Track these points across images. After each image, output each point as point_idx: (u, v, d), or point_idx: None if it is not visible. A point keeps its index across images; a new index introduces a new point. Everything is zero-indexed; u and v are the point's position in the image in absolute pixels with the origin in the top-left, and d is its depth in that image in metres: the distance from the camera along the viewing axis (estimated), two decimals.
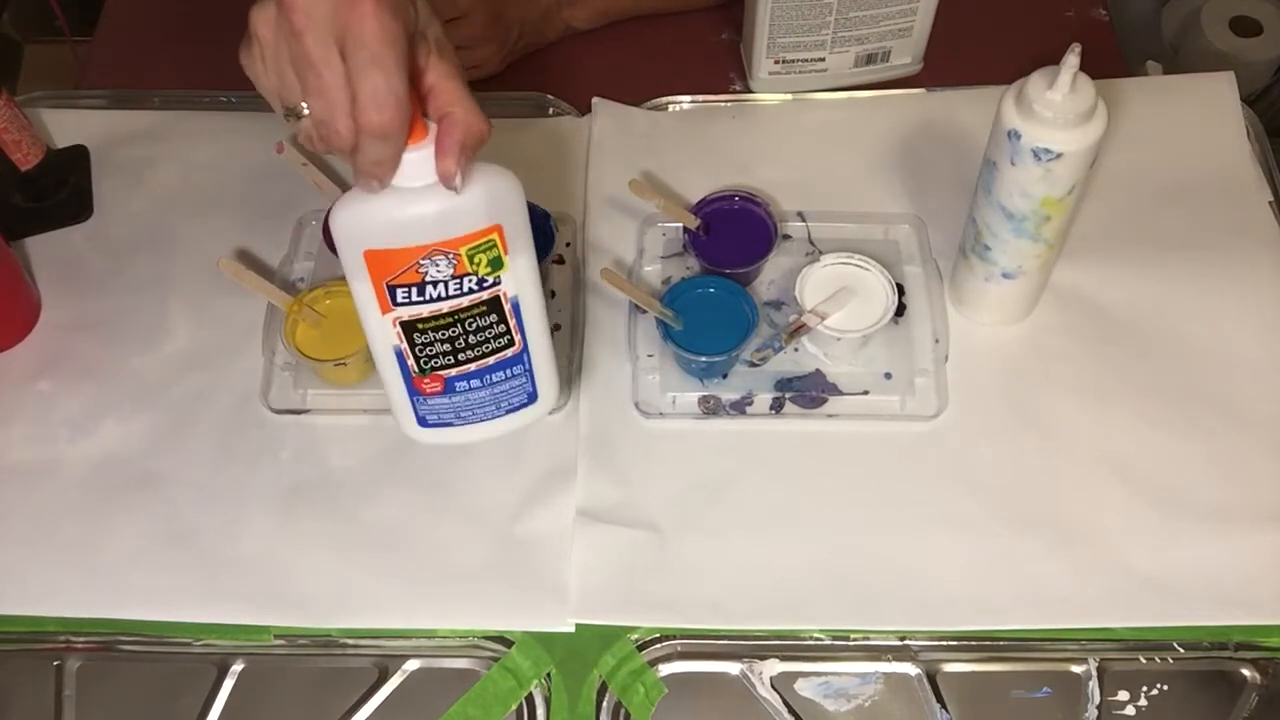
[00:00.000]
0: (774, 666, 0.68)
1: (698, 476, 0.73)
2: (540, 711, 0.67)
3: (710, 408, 0.75)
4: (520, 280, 0.57)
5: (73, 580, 0.70)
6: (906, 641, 0.68)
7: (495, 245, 0.54)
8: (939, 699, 0.67)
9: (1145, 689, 0.68)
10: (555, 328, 0.78)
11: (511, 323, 0.58)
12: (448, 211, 0.52)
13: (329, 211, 0.54)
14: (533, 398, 0.62)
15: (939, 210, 0.82)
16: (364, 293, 0.55)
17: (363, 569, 0.70)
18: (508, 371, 0.60)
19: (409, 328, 0.57)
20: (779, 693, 0.68)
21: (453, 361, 0.59)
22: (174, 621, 0.69)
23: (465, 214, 0.53)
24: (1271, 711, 0.67)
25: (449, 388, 0.60)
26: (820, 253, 0.79)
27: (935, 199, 0.83)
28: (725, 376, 0.76)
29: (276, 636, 0.69)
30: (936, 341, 0.77)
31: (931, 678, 0.68)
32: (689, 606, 0.69)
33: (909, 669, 0.68)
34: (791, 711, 0.67)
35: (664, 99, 0.91)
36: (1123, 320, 0.78)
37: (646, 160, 0.86)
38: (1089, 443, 0.74)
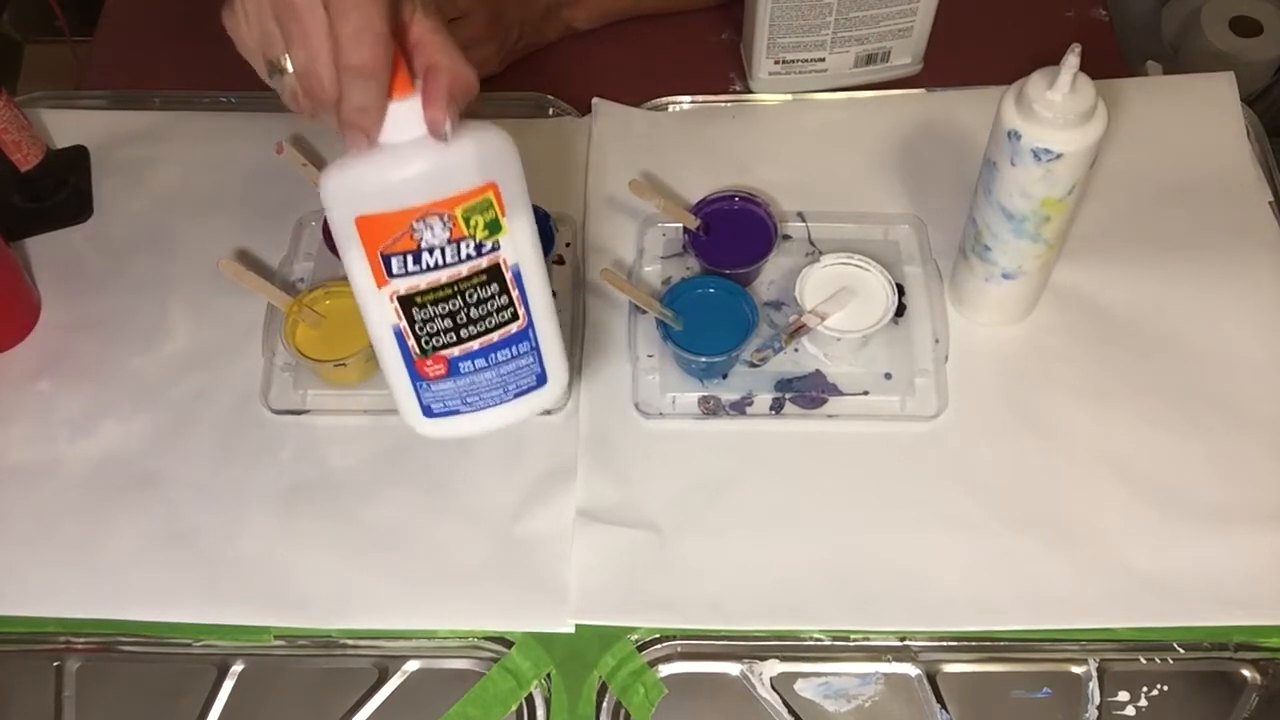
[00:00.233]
0: (774, 667, 0.68)
1: (698, 477, 0.73)
2: (540, 712, 0.67)
3: (710, 408, 0.75)
4: (520, 247, 0.55)
5: (73, 580, 0.70)
6: (906, 642, 0.68)
7: (492, 205, 0.53)
8: (939, 699, 0.67)
9: (1145, 689, 0.68)
10: None
11: (514, 293, 0.56)
12: (439, 168, 0.51)
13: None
14: (542, 379, 0.60)
15: (939, 210, 0.82)
16: (359, 267, 0.53)
17: (363, 569, 0.70)
18: (513, 349, 0.58)
19: (407, 303, 0.55)
20: (779, 693, 0.68)
21: (455, 339, 0.57)
22: (174, 622, 0.69)
23: (458, 171, 0.52)
24: (1271, 712, 0.67)
25: (453, 369, 0.58)
26: (820, 253, 0.79)
27: (935, 199, 0.83)
28: (725, 377, 0.76)
29: (276, 637, 0.69)
30: (936, 342, 0.77)
31: (931, 678, 0.68)
32: (689, 607, 0.69)
33: (909, 669, 0.68)
34: (791, 712, 0.67)
35: (664, 99, 0.91)
36: (1123, 320, 0.78)
37: (646, 160, 0.86)
38: (1089, 443, 0.74)
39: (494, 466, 0.73)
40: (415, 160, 0.51)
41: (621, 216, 0.83)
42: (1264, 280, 0.80)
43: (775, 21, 0.84)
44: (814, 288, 0.75)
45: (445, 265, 0.54)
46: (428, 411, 0.59)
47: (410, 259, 0.53)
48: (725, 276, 0.76)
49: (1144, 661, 0.68)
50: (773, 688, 0.68)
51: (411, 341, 0.56)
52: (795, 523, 0.71)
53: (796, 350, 0.77)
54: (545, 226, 0.78)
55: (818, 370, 0.76)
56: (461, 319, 0.56)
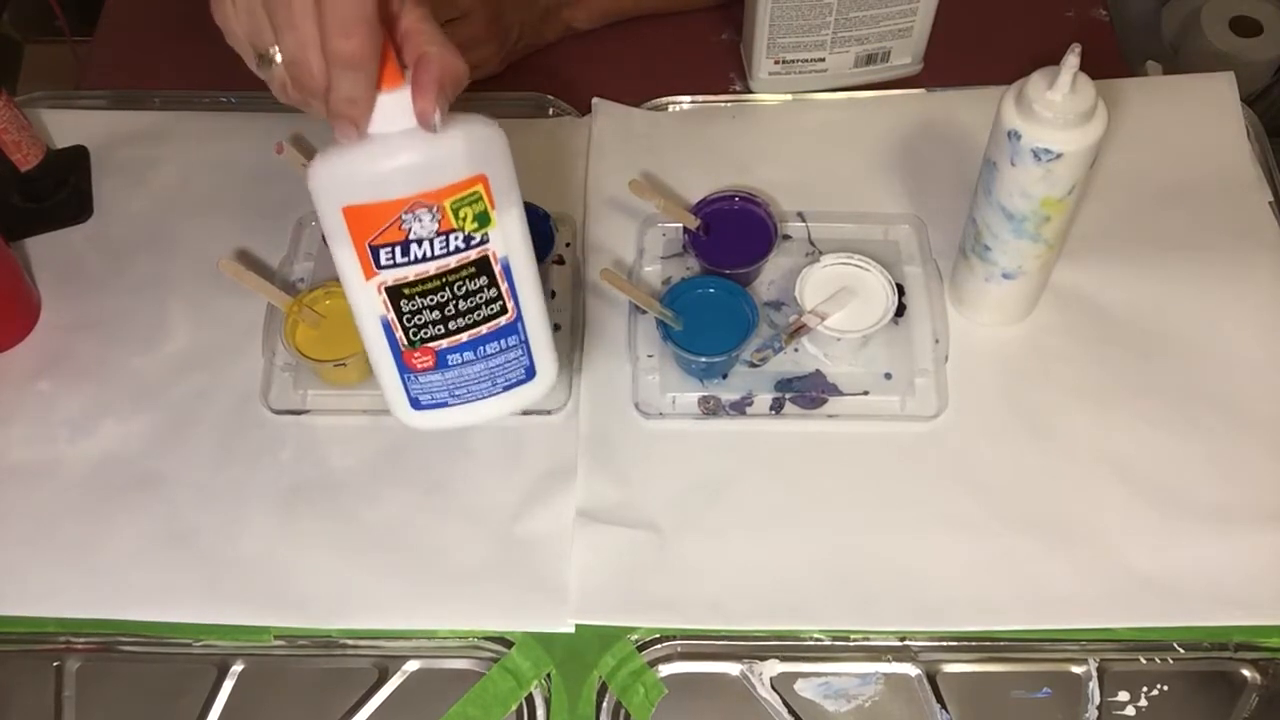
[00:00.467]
0: (774, 667, 0.68)
1: (698, 477, 0.73)
2: (540, 712, 0.67)
3: (710, 408, 0.75)
4: (510, 240, 0.55)
5: (73, 580, 0.70)
6: (906, 642, 0.68)
7: (481, 198, 0.53)
8: (939, 699, 0.67)
9: (1145, 689, 0.68)
10: (555, 328, 0.78)
11: (503, 286, 0.56)
12: (428, 159, 0.51)
13: None
14: (530, 373, 0.60)
15: (939, 210, 0.82)
16: (346, 258, 0.53)
17: (363, 569, 0.70)
18: (502, 342, 0.58)
19: (395, 294, 0.55)
20: (779, 693, 0.68)
21: (443, 331, 0.56)
22: (174, 622, 0.69)
23: (447, 162, 0.51)
24: (1271, 712, 0.67)
25: (441, 362, 0.57)
26: (820, 253, 0.79)
27: (935, 199, 0.83)
28: (725, 377, 0.76)
29: (276, 637, 0.69)
30: (936, 342, 0.77)
31: (931, 678, 0.68)
32: (689, 607, 0.69)
33: (909, 669, 0.68)
34: (791, 712, 0.67)
35: (664, 99, 0.91)
36: (1123, 320, 0.78)
37: (646, 160, 0.86)
38: (1089, 443, 0.74)
39: (494, 466, 0.73)
40: (404, 151, 0.50)
41: (621, 216, 0.83)
42: (1264, 280, 0.80)
43: (775, 21, 0.84)
44: (814, 288, 0.75)
45: (434, 257, 0.54)
46: (415, 404, 0.59)
47: (398, 250, 0.53)
48: (725, 276, 0.76)
49: (1144, 661, 0.68)
50: (773, 688, 0.68)
51: (399, 333, 0.56)
52: (795, 523, 0.71)
53: (796, 350, 0.77)
54: (545, 226, 0.78)
55: (818, 370, 0.76)
56: (450, 311, 0.56)
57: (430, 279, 0.54)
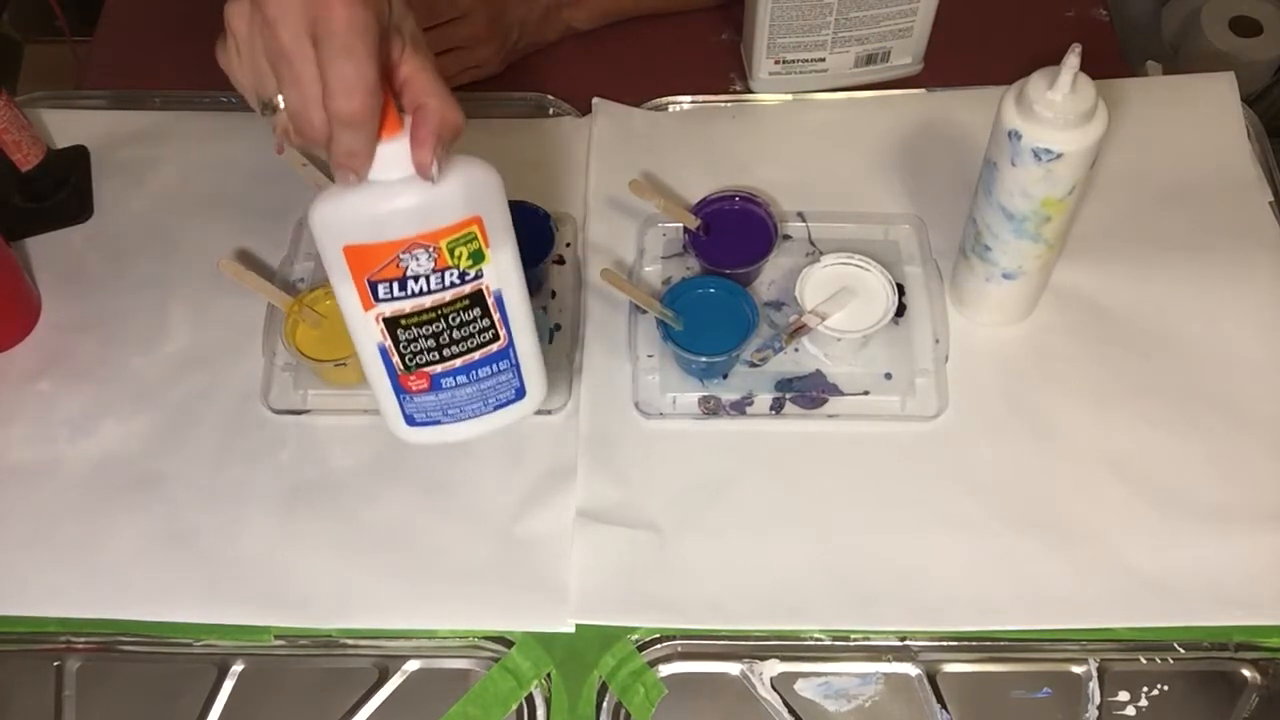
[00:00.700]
0: (774, 667, 0.68)
1: (698, 477, 0.73)
2: (540, 712, 0.67)
3: (710, 408, 0.75)
4: (503, 274, 0.57)
5: (73, 580, 0.70)
6: (907, 642, 0.68)
7: (476, 238, 0.54)
8: (939, 699, 0.67)
9: (1145, 689, 0.68)
10: (555, 327, 0.78)
11: (495, 317, 0.58)
12: (426, 204, 0.52)
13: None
14: (520, 393, 0.62)
15: (939, 210, 0.82)
16: (346, 290, 0.55)
17: (363, 569, 0.70)
18: (494, 367, 0.60)
19: (392, 324, 0.56)
20: (779, 693, 0.68)
21: (438, 358, 0.58)
22: (174, 622, 0.69)
23: (444, 206, 0.53)
24: (1272, 712, 0.67)
25: (435, 385, 0.59)
26: (820, 253, 0.79)
27: (935, 199, 0.83)
28: (725, 377, 0.76)
29: (277, 637, 0.69)
30: (937, 342, 0.77)
31: (932, 678, 0.68)
32: (689, 607, 0.69)
33: (909, 669, 0.68)
34: (792, 712, 0.67)
35: (664, 99, 0.91)
36: (1123, 320, 0.78)
37: (646, 160, 0.86)
38: (1089, 443, 0.74)
39: (494, 467, 0.73)
40: (402, 196, 0.52)
41: (621, 216, 0.83)
42: (1264, 280, 0.80)
43: (775, 21, 0.84)
44: (814, 288, 0.75)
45: (429, 292, 0.55)
46: (410, 421, 0.61)
47: (396, 285, 0.55)
48: (725, 276, 0.76)
49: (1144, 661, 0.68)
50: (773, 688, 0.68)
51: (396, 359, 0.58)
52: (795, 523, 0.71)
53: (797, 350, 0.77)
54: (545, 226, 0.78)
55: (818, 370, 0.76)
56: (444, 340, 0.58)
57: (426, 311, 0.56)
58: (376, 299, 0.55)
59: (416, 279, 0.55)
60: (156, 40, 0.97)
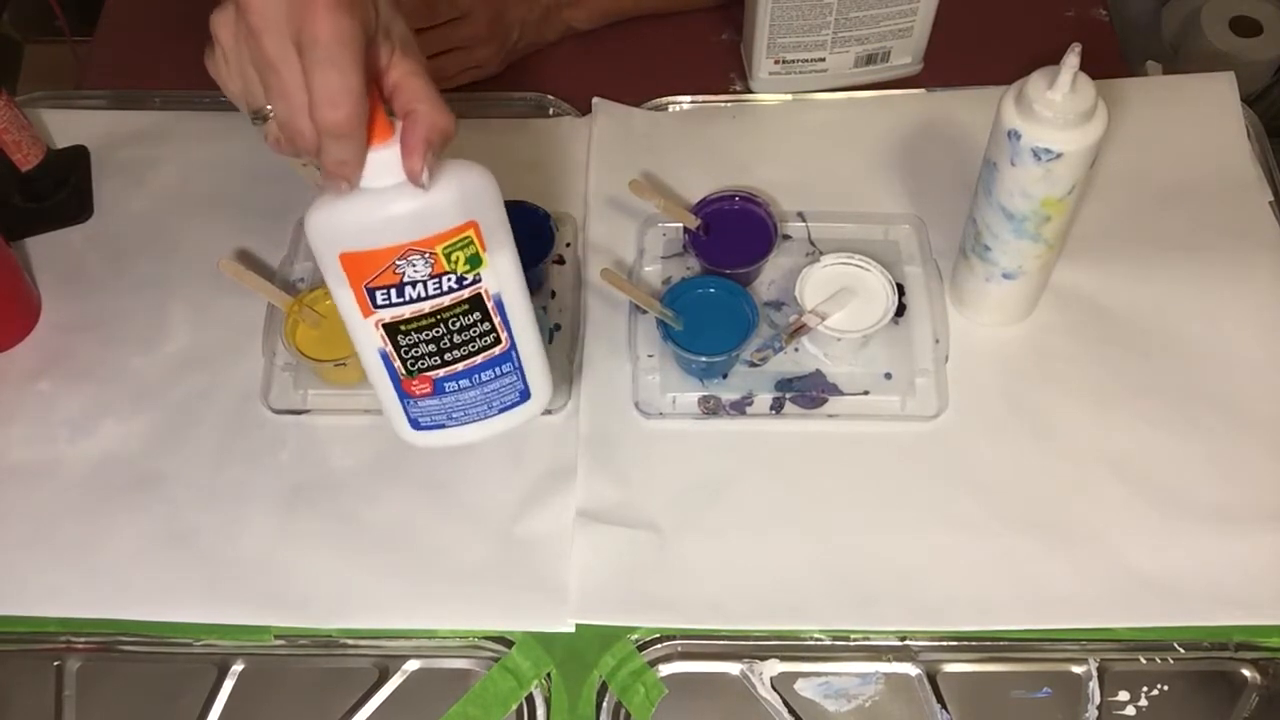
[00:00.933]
0: (774, 667, 0.68)
1: (698, 476, 0.73)
2: (540, 712, 0.67)
3: (710, 408, 0.75)
4: (502, 277, 0.56)
5: (73, 580, 0.70)
6: (907, 642, 0.68)
7: (472, 242, 0.54)
8: (939, 699, 0.67)
9: (1145, 689, 0.68)
10: (555, 327, 0.78)
11: (496, 320, 0.58)
12: (420, 210, 0.52)
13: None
14: (525, 395, 0.62)
15: (939, 210, 0.82)
16: (344, 296, 0.55)
17: (363, 569, 0.70)
18: (497, 370, 0.60)
19: (392, 330, 0.56)
20: (779, 693, 0.68)
21: (439, 362, 0.58)
22: (174, 622, 0.69)
23: (438, 212, 0.52)
24: (1272, 711, 0.68)
25: (438, 389, 0.59)
26: (820, 253, 0.79)
27: (935, 199, 0.83)
28: (725, 376, 0.76)
29: (277, 636, 0.69)
30: (937, 342, 0.77)
31: (932, 678, 0.68)
32: (689, 606, 0.69)
33: (909, 669, 0.68)
34: (792, 712, 0.67)
35: (664, 99, 0.91)
36: (1123, 320, 0.78)
37: (646, 160, 0.86)
38: (1089, 443, 0.74)
39: (494, 466, 0.73)
40: (396, 203, 0.52)
41: (621, 216, 0.83)
42: (1264, 280, 0.80)
43: (775, 21, 0.84)
44: (814, 288, 0.75)
45: (428, 297, 0.55)
46: (415, 424, 0.61)
47: (394, 291, 0.55)
48: (725, 276, 0.76)
49: (1144, 661, 0.68)
50: (773, 687, 0.68)
51: (397, 363, 0.58)
52: (795, 523, 0.71)
53: (796, 350, 0.77)
54: (545, 226, 0.78)
55: (818, 370, 0.76)
56: (445, 344, 0.58)
57: (425, 316, 0.56)
58: (375, 305, 0.55)
59: (414, 284, 0.55)
60: (156, 40, 0.97)
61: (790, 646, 0.69)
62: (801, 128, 0.89)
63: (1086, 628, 0.68)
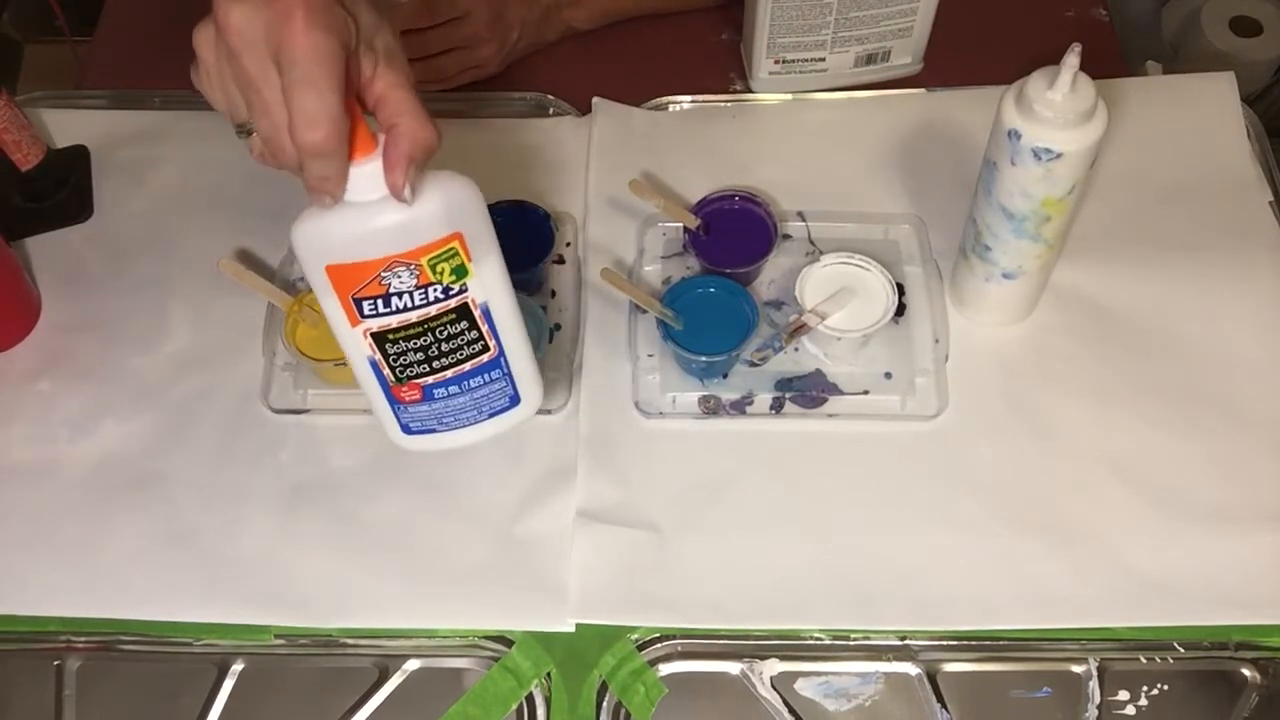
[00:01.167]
0: (774, 666, 0.68)
1: (698, 476, 0.73)
2: (540, 711, 0.67)
3: (710, 408, 0.75)
4: (489, 286, 0.57)
5: (73, 580, 0.70)
6: (907, 641, 0.68)
7: (457, 253, 0.54)
8: (939, 699, 0.67)
9: (1145, 689, 0.68)
10: (555, 327, 0.78)
11: (484, 328, 0.58)
12: (404, 223, 0.52)
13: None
14: (515, 401, 0.62)
15: (939, 210, 0.82)
16: (332, 307, 0.55)
17: (363, 569, 0.70)
18: (485, 376, 0.60)
19: (380, 339, 0.57)
20: (779, 693, 0.68)
21: (428, 370, 0.58)
22: (174, 621, 0.69)
23: (422, 224, 0.53)
24: (1272, 711, 0.68)
25: (428, 395, 0.60)
26: (820, 253, 0.79)
27: (935, 199, 0.83)
28: (725, 376, 0.76)
29: (277, 636, 0.69)
30: (936, 341, 0.77)
31: (932, 678, 0.68)
32: (689, 606, 0.69)
33: (909, 669, 0.68)
34: (792, 711, 0.67)
35: (664, 99, 0.91)
36: (1123, 320, 0.78)
37: (646, 160, 0.86)
38: (1089, 443, 0.74)
39: (494, 466, 0.74)
40: (380, 216, 0.52)
41: (621, 216, 0.83)
42: (1264, 280, 0.80)
43: (775, 21, 0.84)
44: (814, 287, 0.75)
45: (415, 307, 0.56)
46: (406, 429, 0.62)
47: (380, 302, 0.55)
48: (725, 276, 0.76)
49: (1144, 661, 0.68)
50: (773, 687, 0.68)
51: (387, 371, 0.58)
52: (795, 522, 0.71)
53: (796, 350, 0.77)
54: (545, 226, 0.78)
55: (818, 370, 0.76)
56: (433, 352, 0.58)
57: (413, 325, 0.56)
58: (362, 315, 0.55)
59: (400, 295, 0.55)
60: (156, 40, 0.97)
61: (790, 646, 0.69)
62: (801, 128, 0.89)
63: (1086, 627, 0.68)
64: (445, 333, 0.57)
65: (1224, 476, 0.72)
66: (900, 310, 0.77)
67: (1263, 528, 0.70)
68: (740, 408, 0.75)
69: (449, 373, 0.59)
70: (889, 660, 0.68)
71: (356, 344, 0.57)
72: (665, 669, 0.68)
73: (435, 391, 0.60)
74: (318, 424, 0.76)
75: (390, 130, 0.50)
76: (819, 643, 0.68)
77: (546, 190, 0.85)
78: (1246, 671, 0.68)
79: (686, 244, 0.79)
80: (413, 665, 0.69)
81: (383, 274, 0.54)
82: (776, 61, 0.88)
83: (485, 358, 0.59)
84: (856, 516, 0.72)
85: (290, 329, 0.74)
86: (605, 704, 0.67)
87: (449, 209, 0.53)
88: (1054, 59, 0.63)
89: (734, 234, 0.78)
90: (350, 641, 0.69)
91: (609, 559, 0.70)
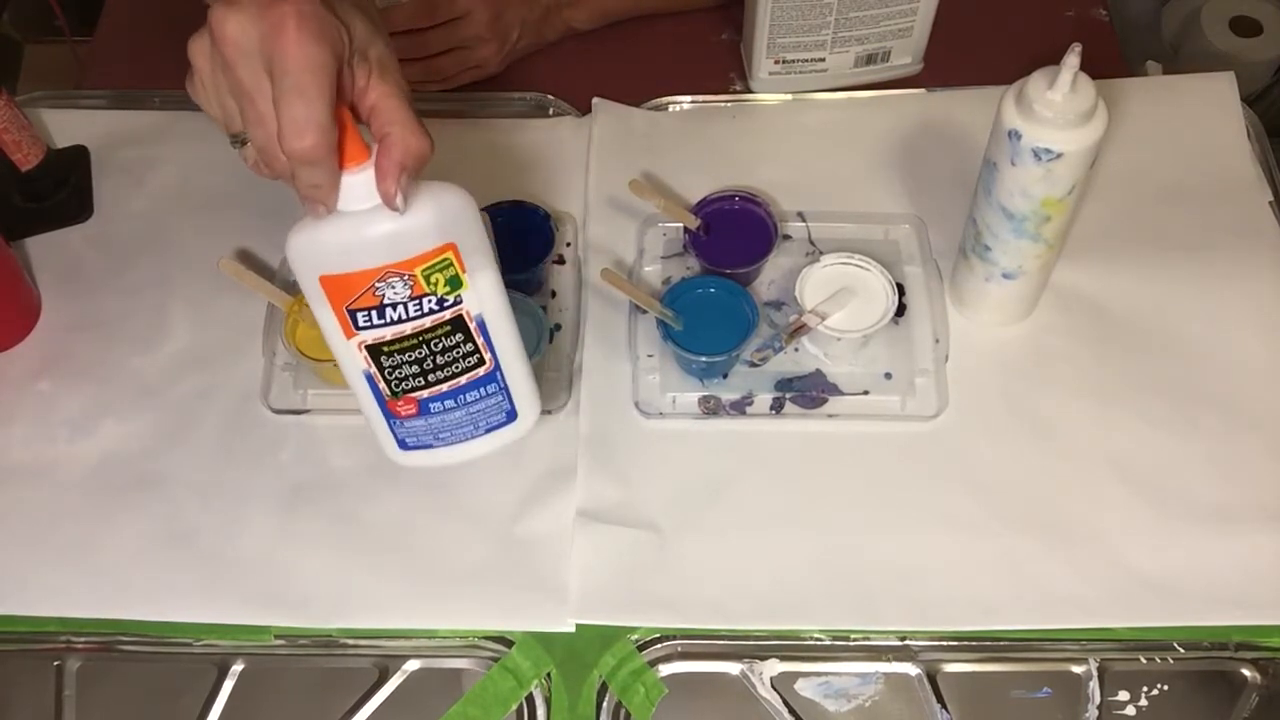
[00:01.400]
0: (774, 666, 0.68)
1: (698, 476, 0.73)
2: (540, 712, 0.67)
3: (710, 408, 0.75)
4: (483, 298, 0.57)
5: (73, 580, 0.70)
6: (906, 641, 0.68)
7: (451, 264, 0.54)
8: (939, 699, 0.67)
9: (1145, 689, 0.68)
10: (555, 327, 0.78)
11: (479, 341, 0.58)
12: (397, 233, 0.52)
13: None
14: (511, 416, 0.62)
15: (939, 210, 0.82)
16: (327, 318, 0.55)
17: (363, 569, 0.70)
18: (481, 390, 0.60)
19: (375, 351, 0.57)
20: (779, 693, 0.68)
21: (423, 383, 0.58)
22: (174, 621, 0.69)
23: (415, 234, 0.53)
24: (1272, 711, 0.68)
25: (424, 410, 0.60)
26: (820, 253, 0.79)
27: (935, 199, 0.83)
28: (725, 376, 0.76)
29: (277, 636, 0.69)
30: (936, 341, 0.77)
31: (932, 678, 0.68)
32: (689, 606, 0.69)
33: (909, 669, 0.68)
34: (792, 711, 0.67)
35: (664, 99, 0.91)
36: (1123, 320, 0.78)
37: (646, 160, 0.86)
38: (1089, 443, 0.74)
39: (494, 467, 0.73)
40: (373, 225, 0.52)
41: (621, 216, 0.83)
42: (1264, 280, 0.80)
43: (775, 21, 0.84)
44: (814, 287, 0.75)
45: (409, 319, 0.56)
46: (402, 445, 0.62)
47: (375, 313, 0.55)
48: (725, 276, 0.76)
49: (1144, 661, 0.68)
50: (773, 687, 0.68)
51: (382, 385, 0.58)
52: (795, 523, 0.71)
53: (796, 350, 0.77)
54: (545, 226, 0.78)
55: (818, 370, 0.76)
56: (428, 365, 0.58)
57: (407, 338, 0.56)
58: (357, 327, 0.55)
59: (394, 306, 0.55)
60: (156, 40, 0.97)
61: (790, 646, 0.69)
62: (801, 128, 0.89)
63: (1086, 628, 0.68)
64: (440, 345, 0.57)
65: (1224, 476, 0.72)
66: (900, 310, 0.77)
67: (1263, 528, 0.70)
68: (740, 408, 0.75)
69: (444, 386, 0.59)
70: (889, 660, 0.68)
71: (351, 357, 0.57)
72: (665, 669, 0.68)
73: (431, 406, 0.60)
74: (318, 424, 0.76)
75: (382, 140, 0.51)
76: (819, 643, 0.68)
77: (546, 190, 0.85)
78: (1246, 672, 0.68)
79: (686, 244, 0.79)
80: (413, 666, 0.69)
81: (376, 284, 0.54)
82: (776, 61, 0.88)
83: (481, 371, 0.59)
84: (856, 516, 0.72)
85: (290, 329, 0.74)
86: (605, 704, 0.67)
87: (442, 219, 0.53)
88: (1054, 59, 0.63)
89: (734, 234, 0.78)
90: (350, 642, 0.69)
91: (609, 559, 0.70)
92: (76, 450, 0.75)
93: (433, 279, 0.54)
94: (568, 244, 0.82)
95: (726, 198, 0.79)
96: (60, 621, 0.70)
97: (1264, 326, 0.78)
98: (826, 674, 0.68)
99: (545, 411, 0.75)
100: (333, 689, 0.69)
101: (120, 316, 0.80)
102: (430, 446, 0.62)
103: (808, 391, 0.75)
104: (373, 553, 0.71)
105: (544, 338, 0.75)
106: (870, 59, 0.89)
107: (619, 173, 0.83)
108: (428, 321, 0.56)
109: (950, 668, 0.68)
